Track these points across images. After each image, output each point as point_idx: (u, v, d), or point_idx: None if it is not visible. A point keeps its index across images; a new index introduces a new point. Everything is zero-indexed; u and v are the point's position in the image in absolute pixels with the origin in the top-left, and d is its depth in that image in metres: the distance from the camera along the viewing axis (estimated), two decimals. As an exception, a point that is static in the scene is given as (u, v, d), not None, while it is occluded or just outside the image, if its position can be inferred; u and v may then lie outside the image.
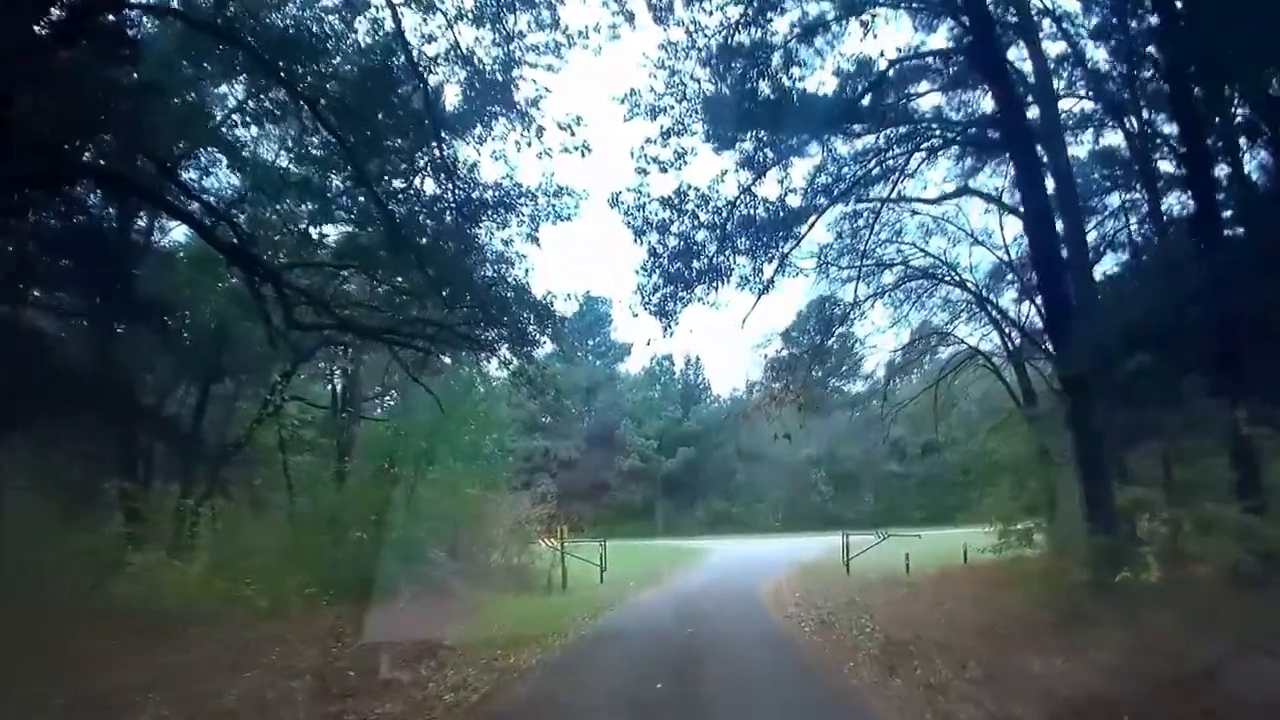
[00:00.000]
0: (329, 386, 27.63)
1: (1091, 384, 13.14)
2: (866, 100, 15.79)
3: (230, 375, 22.69)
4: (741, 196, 16.24)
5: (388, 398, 28.17)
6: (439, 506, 21.48)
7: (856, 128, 16.21)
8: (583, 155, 14.61)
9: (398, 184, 15.46)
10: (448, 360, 19.39)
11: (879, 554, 24.36)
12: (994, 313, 21.71)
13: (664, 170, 16.03)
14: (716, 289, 16.99)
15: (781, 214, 16.42)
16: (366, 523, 19.10)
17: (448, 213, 15.84)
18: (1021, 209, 15.70)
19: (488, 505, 23.46)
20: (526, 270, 17.15)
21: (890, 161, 17.82)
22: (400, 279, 16.17)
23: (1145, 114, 16.28)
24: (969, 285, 21.71)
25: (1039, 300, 17.49)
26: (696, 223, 16.30)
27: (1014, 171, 16.02)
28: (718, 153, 16.38)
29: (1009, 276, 22.38)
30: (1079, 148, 18.49)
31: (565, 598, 20.19)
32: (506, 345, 17.78)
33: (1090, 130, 18.20)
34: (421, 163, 14.98)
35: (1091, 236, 21.01)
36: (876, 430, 32.06)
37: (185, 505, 18.43)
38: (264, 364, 21.32)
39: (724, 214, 16.26)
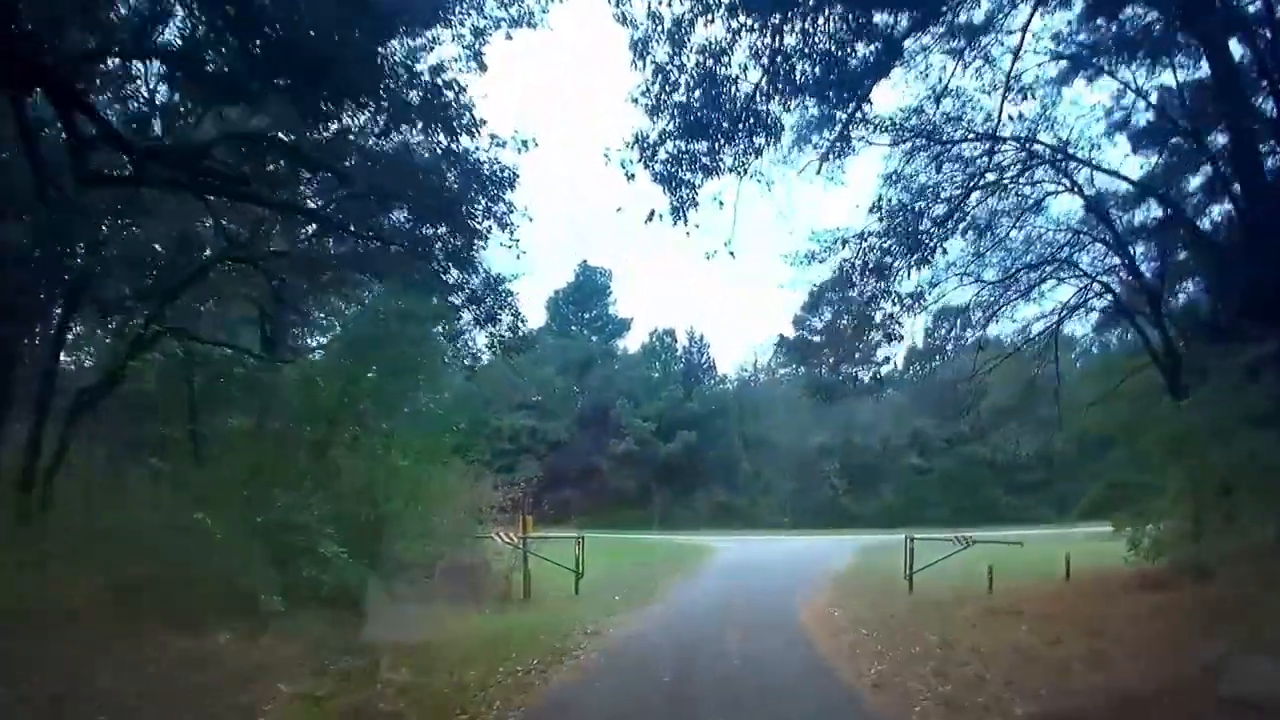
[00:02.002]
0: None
1: None
2: None
3: (106, 303, 17.09)
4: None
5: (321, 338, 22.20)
6: (352, 481, 15.74)
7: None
8: None
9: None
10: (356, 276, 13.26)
11: (926, 555, 18.19)
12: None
13: (686, -59, 9.88)
14: (758, 150, 10.94)
15: (865, 29, 10.23)
16: (230, 501, 13.48)
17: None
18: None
19: (429, 483, 17.42)
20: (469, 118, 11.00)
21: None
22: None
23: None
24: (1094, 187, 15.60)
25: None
26: (734, 26, 10.09)
27: None
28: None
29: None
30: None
31: (519, 619, 14.20)
32: (440, 242, 11.66)
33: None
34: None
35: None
36: (925, 406, 26.04)
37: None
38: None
39: (780, 17, 10.01)
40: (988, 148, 14.05)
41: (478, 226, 11.90)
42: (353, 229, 12.56)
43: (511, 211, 12.15)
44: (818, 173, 12.50)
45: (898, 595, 16.18)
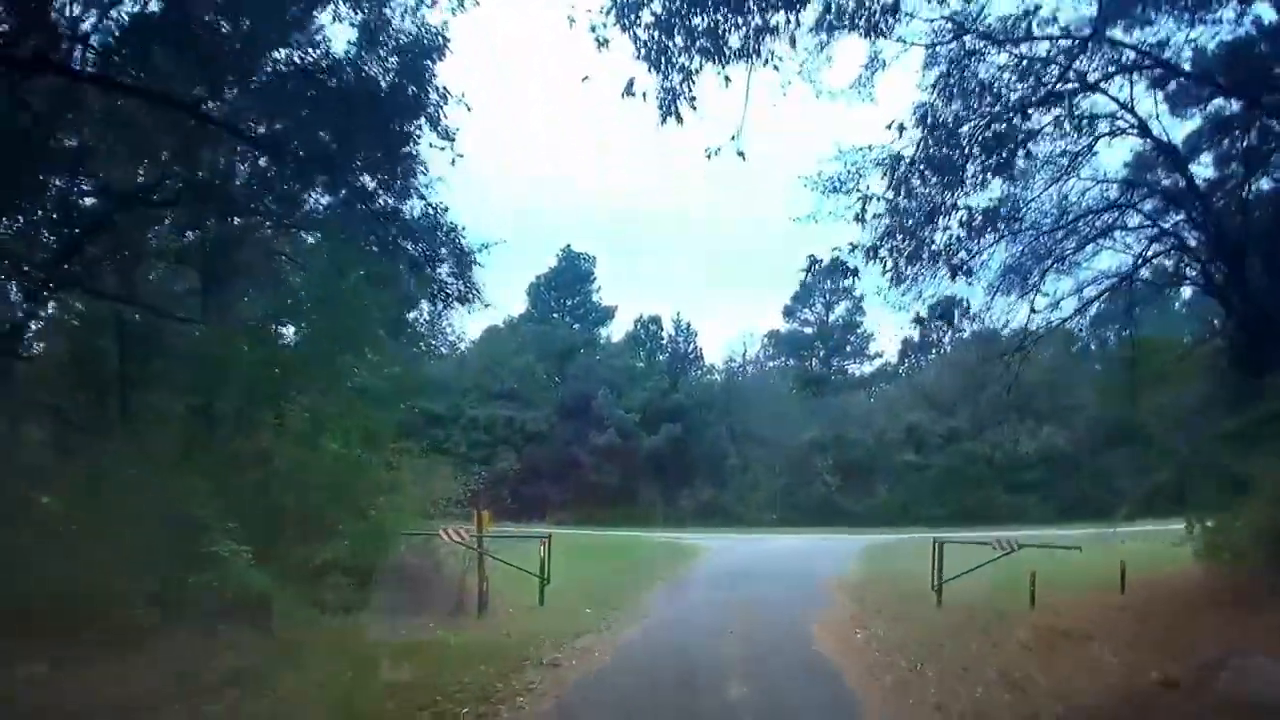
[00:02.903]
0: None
1: None
2: None
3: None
4: None
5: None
6: (273, 468, 13.10)
7: None
8: None
9: None
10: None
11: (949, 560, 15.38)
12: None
13: None
14: (774, 30, 8.26)
15: None
16: (101, 486, 10.91)
17: None
18: None
19: (368, 471, 14.69)
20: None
21: None
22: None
23: None
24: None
25: None
26: None
27: None
28: None
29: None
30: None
31: (464, 639, 11.37)
32: (360, 156, 8.88)
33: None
34: None
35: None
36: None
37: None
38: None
39: None
40: (1061, 50, 11.33)
41: (404, 128, 9.13)
42: (250, 137, 9.73)
43: (445, 101, 9.45)
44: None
45: (926, 610, 13.52)
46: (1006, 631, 11.17)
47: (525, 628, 12.08)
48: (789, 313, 64.83)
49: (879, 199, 11.70)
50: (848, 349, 65.54)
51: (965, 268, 12.63)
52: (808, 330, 64.95)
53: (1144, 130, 13.40)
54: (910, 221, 11.98)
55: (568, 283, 60.69)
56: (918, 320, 13.72)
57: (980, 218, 12.13)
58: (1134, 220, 14.31)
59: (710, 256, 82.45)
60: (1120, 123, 13.60)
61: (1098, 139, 13.31)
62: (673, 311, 57.71)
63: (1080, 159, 13.30)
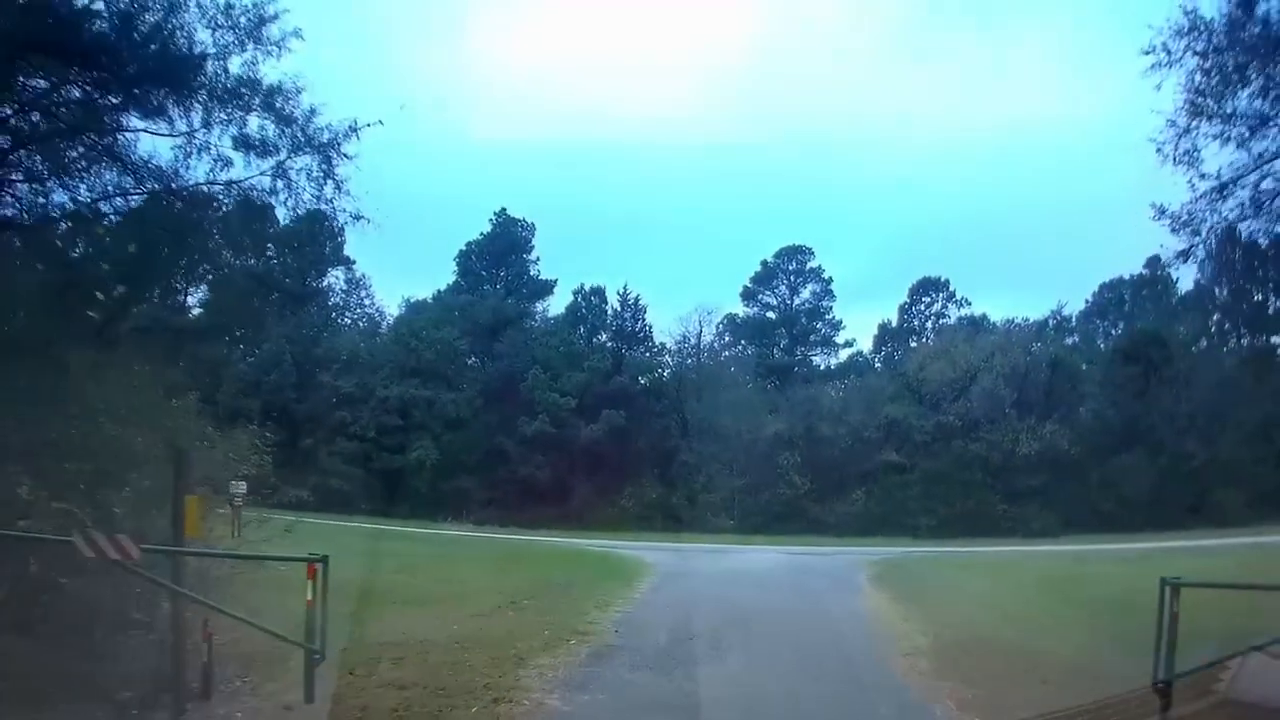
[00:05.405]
0: None
1: None
2: None
3: None
4: None
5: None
6: None
7: None
8: None
9: None
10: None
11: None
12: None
13: None
14: None
15: None
16: None
17: None
18: None
19: None
20: None
21: None
22: None
23: None
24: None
25: None
26: None
27: None
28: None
29: None
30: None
31: None
32: None
33: None
34: None
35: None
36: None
37: None
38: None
39: None
40: None
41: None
42: None
43: None
44: None
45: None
46: None
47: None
48: (749, 295, 58.63)
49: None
50: (813, 338, 59.75)
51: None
52: (770, 315, 58.73)
53: None
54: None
55: (501, 251, 53.78)
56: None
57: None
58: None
59: (665, 230, 74.89)
60: None
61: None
62: (619, 284, 50.03)
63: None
